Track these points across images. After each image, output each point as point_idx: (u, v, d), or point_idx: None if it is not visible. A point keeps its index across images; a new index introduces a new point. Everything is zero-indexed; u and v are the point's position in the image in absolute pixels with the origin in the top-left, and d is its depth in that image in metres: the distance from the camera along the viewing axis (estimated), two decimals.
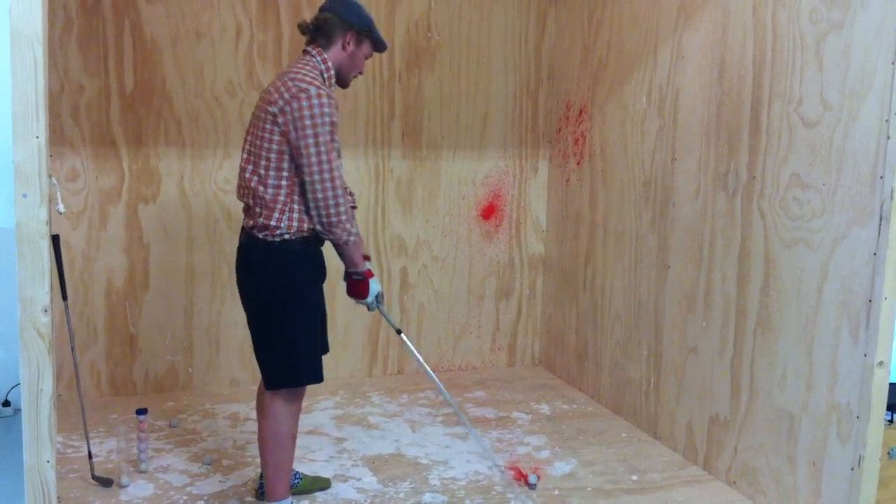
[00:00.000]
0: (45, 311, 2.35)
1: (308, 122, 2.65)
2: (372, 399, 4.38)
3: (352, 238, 2.80)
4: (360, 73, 2.96)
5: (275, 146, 2.70)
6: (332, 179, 2.69)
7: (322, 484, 3.30)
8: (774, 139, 3.11)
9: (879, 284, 2.68)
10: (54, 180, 2.58)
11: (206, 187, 4.26)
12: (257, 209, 2.75)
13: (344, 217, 2.74)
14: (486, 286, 4.92)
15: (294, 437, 2.91)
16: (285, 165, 2.71)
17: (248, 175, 2.77)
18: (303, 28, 2.89)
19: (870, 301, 2.72)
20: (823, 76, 2.88)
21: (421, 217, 4.71)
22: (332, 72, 2.84)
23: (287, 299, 2.79)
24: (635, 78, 3.99)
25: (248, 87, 4.25)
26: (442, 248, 4.79)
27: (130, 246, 4.19)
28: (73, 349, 3.32)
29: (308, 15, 4.26)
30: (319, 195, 2.70)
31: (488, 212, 4.85)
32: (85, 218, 4.10)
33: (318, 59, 2.81)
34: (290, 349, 2.82)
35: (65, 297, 3.27)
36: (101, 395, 4.24)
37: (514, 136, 4.84)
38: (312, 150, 2.66)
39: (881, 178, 2.66)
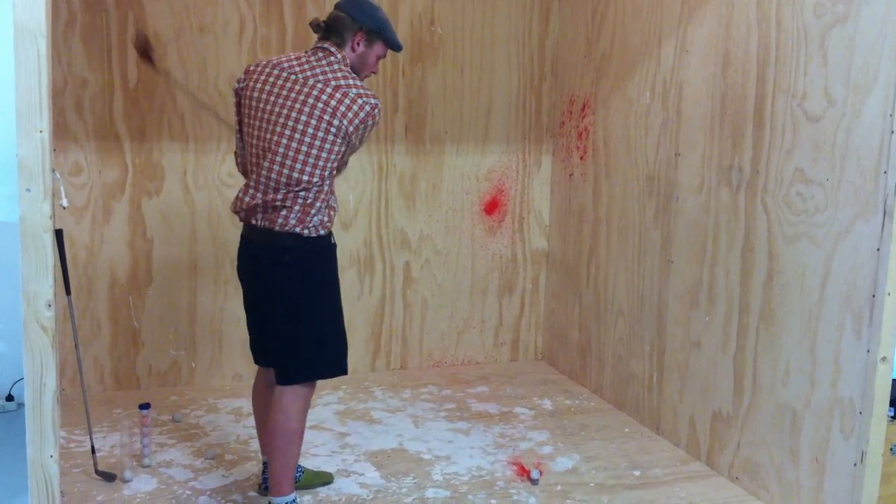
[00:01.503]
0: (49, 305, 2.35)
1: (371, 130, 2.84)
2: (375, 394, 4.39)
3: None
4: (374, 72, 2.98)
5: (335, 155, 2.77)
6: None
7: (325, 478, 3.31)
8: (778, 134, 3.10)
9: (883, 280, 2.67)
10: (58, 175, 2.58)
11: (209, 182, 4.26)
12: (296, 206, 2.75)
13: None
14: (489, 281, 4.92)
15: (303, 433, 2.93)
16: (335, 167, 2.83)
17: (298, 177, 2.72)
18: (315, 26, 2.89)
19: (873, 296, 2.71)
20: (828, 70, 2.87)
21: (424, 212, 4.71)
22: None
23: (326, 292, 2.90)
24: (639, 72, 3.98)
25: None
26: (445, 242, 4.79)
27: (134, 240, 4.19)
28: (76, 344, 3.32)
29: (311, 8, 4.28)
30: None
31: (491, 207, 4.85)
32: (88, 212, 4.10)
33: (344, 62, 2.82)
34: (332, 341, 2.93)
35: (68, 292, 3.27)
36: (104, 389, 4.25)
37: (518, 130, 4.83)
38: (356, 151, 2.96)
39: (885, 173, 2.66)
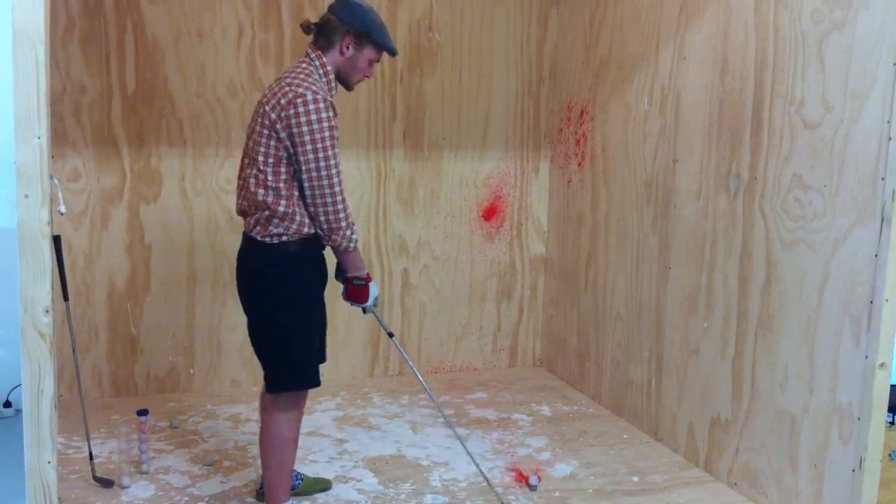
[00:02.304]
0: (47, 311, 2.35)
1: (305, 129, 2.63)
2: (373, 400, 4.38)
3: (352, 244, 2.80)
4: (367, 76, 2.90)
5: (272, 150, 2.68)
6: (332, 186, 2.68)
7: (323, 485, 3.30)
8: (776, 140, 3.11)
9: (881, 286, 2.67)
10: (56, 181, 2.58)
11: (207, 188, 4.26)
12: (257, 213, 2.74)
13: (344, 223, 2.74)
14: (488, 287, 4.92)
15: (296, 441, 2.91)
16: (283, 170, 2.70)
17: (247, 178, 2.76)
18: (305, 28, 2.87)
19: (871, 302, 2.71)
20: (825, 77, 2.88)
21: (422, 218, 4.71)
22: (332, 75, 2.81)
23: (283, 301, 2.78)
24: (637, 78, 3.99)
25: (250, 87, 4.25)
26: (443, 248, 4.79)
27: (132, 246, 4.19)
28: (74, 350, 3.32)
29: (310, 14, 4.27)
30: (318, 201, 2.69)
31: (489, 213, 4.85)
32: (86, 218, 4.10)
33: (317, 62, 2.79)
34: (284, 353, 2.83)
35: (66, 298, 3.27)
36: (102, 395, 4.24)
37: (516, 136, 4.83)
38: (311, 156, 2.64)
39: (882, 179, 2.66)
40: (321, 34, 2.83)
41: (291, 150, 2.67)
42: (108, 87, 4.05)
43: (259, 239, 2.75)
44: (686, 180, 3.64)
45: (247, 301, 2.88)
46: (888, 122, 2.63)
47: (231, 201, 4.28)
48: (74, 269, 4.08)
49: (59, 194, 2.70)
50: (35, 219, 2.32)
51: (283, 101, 2.65)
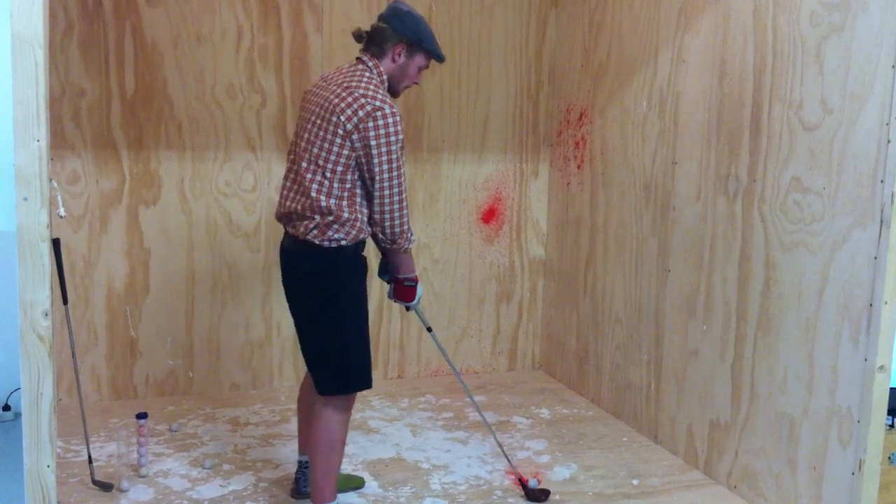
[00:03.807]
0: (46, 314, 2.35)
1: (383, 142, 2.71)
2: (372, 403, 4.38)
3: (412, 245, 2.94)
4: (416, 83, 3.01)
5: (342, 158, 2.74)
6: (401, 193, 2.81)
7: (356, 482, 3.33)
8: (775, 143, 3.11)
9: (880, 288, 2.68)
10: (55, 183, 2.58)
11: (207, 191, 4.26)
12: (316, 217, 2.77)
13: (407, 227, 2.88)
14: (487, 290, 4.92)
15: (343, 442, 2.95)
16: (349, 177, 2.76)
17: (308, 183, 2.77)
18: (357, 36, 2.93)
19: (870, 305, 2.72)
20: (824, 79, 2.88)
21: (421, 221, 4.71)
22: (386, 83, 2.88)
23: (342, 303, 2.84)
24: (636, 81, 3.99)
25: (249, 90, 4.25)
26: (442, 251, 4.79)
27: (131, 250, 4.19)
28: (73, 353, 3.31)
29: (309, 18, 4.29)
30: (387, 209, 2.80)
31: (489, 215, 4.85)
32: (85, 221, 4.09)
33: (375, 70, 2.86)
34: (341, 354, 2.86)
35: (65, 301, 3.27)
36: (101, 399, 4.23)
37: (515, 139, 4.84)
38: (385, 167, 2.74)
39: (881, 181, 2.66)
40: (372, 42, 2.89)
41: (363, 160, 2.74)
42: (107, 90, 4.05)
43: (317, 243, 2.78)
44: (685, 183, 3.64)
45: (301, 304, 2.89)
46: (887, 124, 2.63)
47: (230, 204, 4.29)
48: (73, 272, 4.07)
49: (59, 197, 2.70)
50: (34, 222, 2.32)
51: (360, 114, 2.70)
